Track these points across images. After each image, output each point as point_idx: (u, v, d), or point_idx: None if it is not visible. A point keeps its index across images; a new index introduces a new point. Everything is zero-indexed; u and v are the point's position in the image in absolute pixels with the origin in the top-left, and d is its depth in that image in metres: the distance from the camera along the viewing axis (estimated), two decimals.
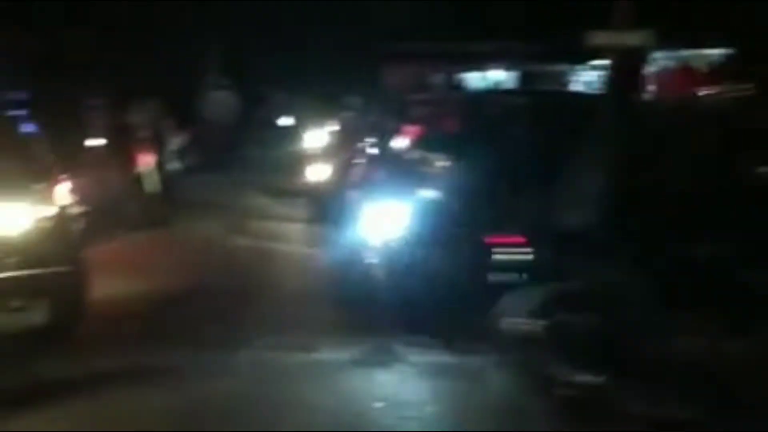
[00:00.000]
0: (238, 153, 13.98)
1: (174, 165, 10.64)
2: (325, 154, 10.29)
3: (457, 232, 5.04)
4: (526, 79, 13.84)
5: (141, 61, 11.65)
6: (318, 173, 9.92)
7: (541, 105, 6.99)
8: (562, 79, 13.97)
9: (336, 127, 10.84)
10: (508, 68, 14.58)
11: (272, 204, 11.24)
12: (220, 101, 14.73)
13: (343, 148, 9.75)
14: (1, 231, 4.53)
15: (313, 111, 13.19)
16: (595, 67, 12.84)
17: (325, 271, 6.92)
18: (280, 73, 14.00)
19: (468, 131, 6.32)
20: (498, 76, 14.44)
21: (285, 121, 12.89)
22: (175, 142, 10.81)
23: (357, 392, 4.20)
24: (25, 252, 4.61)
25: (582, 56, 12.96)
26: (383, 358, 4.56)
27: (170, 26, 13.28)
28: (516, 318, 4.17)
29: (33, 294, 4.81)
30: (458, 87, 13.98)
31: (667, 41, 10.94)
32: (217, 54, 14.66)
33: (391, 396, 4.13)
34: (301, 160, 11.24)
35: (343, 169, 9.36)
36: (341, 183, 9.13)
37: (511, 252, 4.95)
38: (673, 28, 10.86)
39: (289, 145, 13.13)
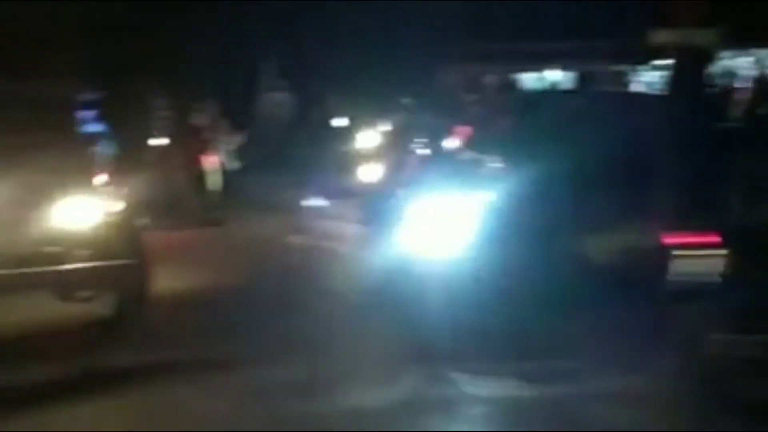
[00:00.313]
0: (292, 153, 14.23)
1: (232, 165, 10.94)
2: (378, 155, 10.40)
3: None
4: (583, 79, 13.62)
5: (201, 64, 12.07)
6: (370, 173, 10.01)
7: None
8: (622, 80, 13.69)
9: (388, 128, 10.89)
10: (565, 68, 14.37)
11: (326, 203, 11.41)
12: (276, 102, 15.08)
13: (395, 148, 9.87)
14: (73, 224, 4.78)
15: (367, 111, 13.32)
16: (656, 67, 12.53)
17: (380, 276, 6.90)
18: (335, 73, 14.20)
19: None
20: (555, 77, 14.25)
21: (339, 121, 13.04)
22: (233, 142, 11.12)
23: None
24: (94, 245, 4.86)
25: (644, 56, 12.67)
26: None
27: (229, 29, 13.67)
28: (717, 335, 3.53)
29: (100, 285, 5.06)
30: (515, 87, 13.89)
31: (736, 40, 10.56)
32: (274, 56, 15.01)
33: None
34: (354, 160, 11.35)
35: (395, 170, 9.47)
36: (393, 183, 9.24)
37: (699, 254, 4.05)
38: (743, 27, 10.48)
39: (343, 145, 13.30)
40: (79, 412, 3.80)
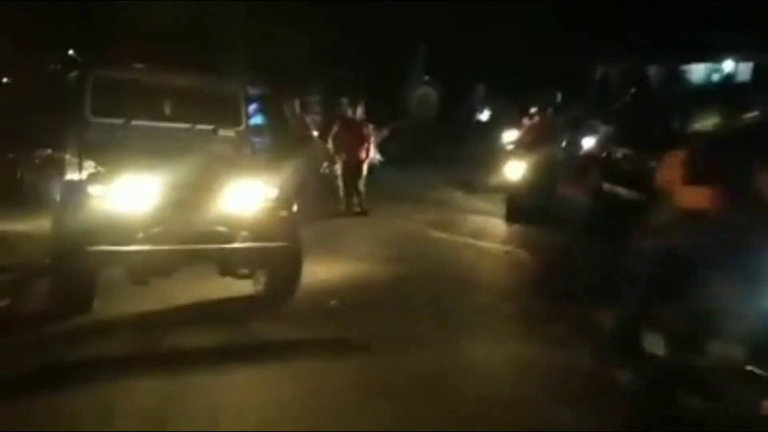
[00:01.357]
0: (437, 148, 14.44)
1: (376, 158, 11.33)
2: (523, 151, 10.19)
3: None
4: (760, 71, 12.46)
5: (352, 60, 12.70)
6: (516, 170, 9.89)
7: None
8: None
9: (534, 123, 10.67)
10: (739, 60, 13.22)
11: (470, 199, 11.50)
12: (422, 97, 15.37)
13: (542, 144, 9.67)
14: (238, 208, 5.29)
15: (515, 106, 13.21)
16: None
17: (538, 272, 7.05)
18: (482, 68, 14.20)
19: None
20: (728, 68, 13.15)
21: (485, 115, 13.04)
22: (378, 135, 11.52)
23: None
24: (255, 227, 5.34)
25: None
26: None
27: (377, 24, 14.16)
28: None
29: (258, 264, 5.55)
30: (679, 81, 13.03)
31: None
32: (421, 50, 15.30)
33: None
34: (499, 155, 11.28)
35: (546, 167, 9.27)
36: (545, 181, 9.07)
37: None
38: None
39: (488, 140, 13.27)
40: (218, 380, 4.16)
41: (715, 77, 13.20)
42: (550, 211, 8.56)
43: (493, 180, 10.83)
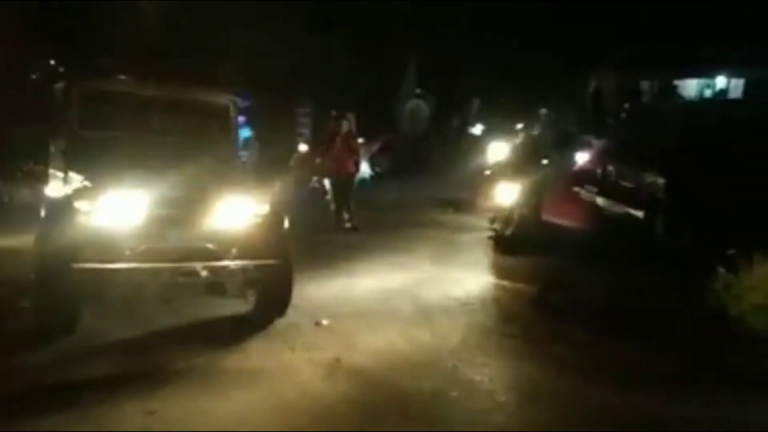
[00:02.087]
0: (426, 162, 14.46)
1: (366, 172, 11.35)
2: (512, 172, 9.38)
3: None
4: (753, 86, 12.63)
5: (343, 74, 12.75)
6: (506, 194, 9.09)
7: None
8: None
9: (520, 142, 10.09)
10: (731, 75, 13.41)
11: (460, 218, 11.21)
12: (413, 110, 15.43)
13: (529, 164, 9.26)
14: (227, 223, 5.25)
15: (506, 119, 13.26)
16: None
17: None
18: (475, 81, 14.29)
19: None
20: (720, 84, 13.33)
21: (477, 129, 13.10)
22: (370, 149, 11.56)
23: None
24: (243, 244, 5.30)
25: None
26: None
27: (369, 37, 14.24)
28: None
29: (248, 283, 5.49)
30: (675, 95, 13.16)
31: None
32: (412, 64, 15.39)
33: None
34: (486, 175, 10.48)
35: (537, 191, 8.81)
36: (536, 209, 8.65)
37: None
38: None
39: (478, 155, 13.28)
40: (208, 405, 4.11)
41: (708, 92, 13.37)
42: (543, 240, 8.30)
43: (483, 201, 10.18)
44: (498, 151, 11.02)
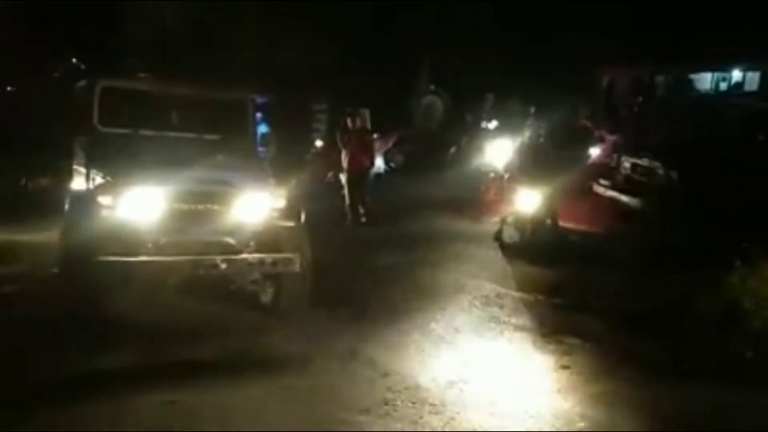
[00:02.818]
0: (438, 159, 14.39)
1: (381, 167, 11.37)
2: (528, 176, 8.32)
3: None
4: None
5: (358, 70, 12.79)
6: (529, 201, 8.12)
7: None
8: None
9: (527, 140, 9.20)
10: (747, 68, 13.30)
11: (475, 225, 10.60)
12: (427, 106, 15.44)
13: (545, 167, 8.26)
14: (246, 218, 5.35)
15: (517, 115, 13.21)
16: None
17: None
18: (489, 77, 14.25)
19: None
20: (735, 77, 13.22)
21: (492, 125, 13.07)
22: (383, 145, 11.59)
23: None
24: (261, 238, 5.41)
25: None
26: None
27: (384, 33, 14.28)
28: None
29: (264, 276, 5.61)
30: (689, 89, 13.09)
31: None
32: (427, 59, 15.39)
33: None
34: (491, 178, 9.31)
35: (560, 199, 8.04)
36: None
37: None
38: None
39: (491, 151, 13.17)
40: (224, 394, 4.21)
41: (723, 86, 13.27)
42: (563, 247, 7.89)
43: (491, 206, 9.02)
44: (501, 149, 9.99)
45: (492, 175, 9.22)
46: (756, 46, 12.19)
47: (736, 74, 13.01)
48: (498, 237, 8.62)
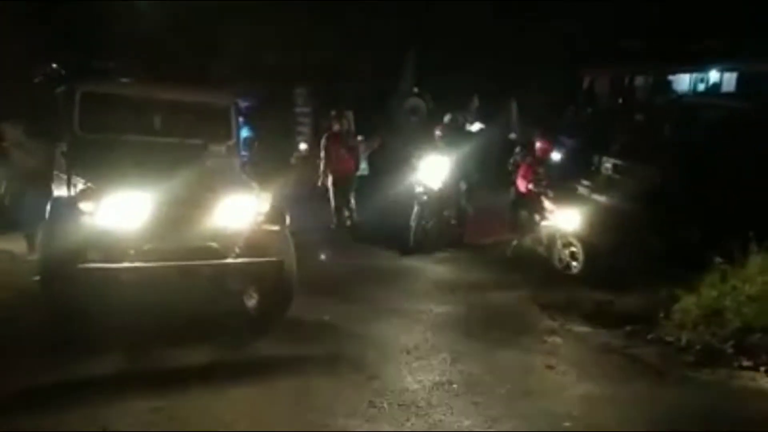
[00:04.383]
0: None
1: (363, 171, 11.29)
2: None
3: None
4: (746, 80, 12.67)
5: (341, 72, 12.73)
6: (568, 219, 7.55)
7: None
8: None
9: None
10: (724, 69, 13.45)
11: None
12: (410, 108, 15.42)
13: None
14: (226, 224, 5.28)
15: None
16: None
17: None
18: (471, 79, 14.27)
19: None
20: (713, 78, 13.37)
21: (476, 127, 13.07)
22: (367, 147, 11.53)
23: None
24: (246, 242, 5.34)
25: None
26: None
27: (368, 37, 14.24)
28: None
29: (250, 280, 5.57)
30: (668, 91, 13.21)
31: None
32: (410, 61, 15.36)
33: None
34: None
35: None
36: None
37: None
38: None
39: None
40: (210, 401, 4.18)
41: (701, 87, 13.43)
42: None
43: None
44: (435, 165, 8.60)
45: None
46: (734, 45, 12.35)
47: (714, 75, 13.16)
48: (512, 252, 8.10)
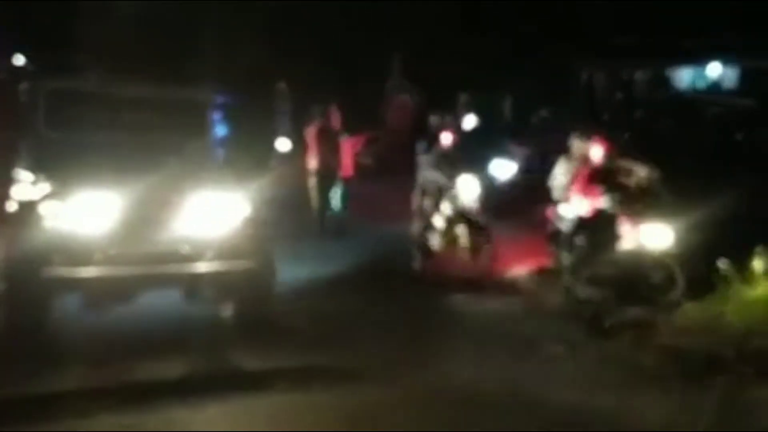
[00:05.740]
0: (412, 158, 14.28)
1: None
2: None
3: None
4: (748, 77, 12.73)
5: (325, 67, 12.69)
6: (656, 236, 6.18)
7: None
8: None
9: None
10: (725, 64, 13.50)
11: None
12: (399, 106, 15.41)
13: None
14: (201, 225, 5.21)
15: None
16: None
17: None
18: (463, 75, 14.26)
19: None
20: (714, 73, 13.42)
21: (467, 123, 13.03)
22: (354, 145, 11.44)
23: None
24: (220, 246, 5.26)
25: None
26: None
27: (354, 32, 14.23)
28: None
29: (225, 286, 5.45)
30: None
31: None
32: (399, 58, 15.36)
33: None
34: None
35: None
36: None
37: None
38: None
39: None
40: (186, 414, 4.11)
41: (701, 83, 13.47)
42: None
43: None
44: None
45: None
46: (735, 40, 12.39)
47: (714, 71, 13.21)
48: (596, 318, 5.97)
